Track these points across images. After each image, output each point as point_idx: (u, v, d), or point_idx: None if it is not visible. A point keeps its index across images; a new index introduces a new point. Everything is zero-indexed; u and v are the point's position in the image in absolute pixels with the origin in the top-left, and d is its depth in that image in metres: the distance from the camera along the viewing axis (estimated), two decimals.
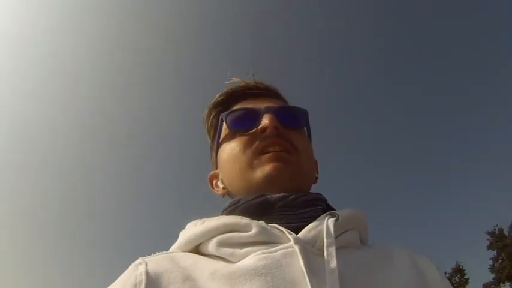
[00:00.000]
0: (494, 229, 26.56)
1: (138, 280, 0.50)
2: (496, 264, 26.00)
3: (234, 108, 0.72)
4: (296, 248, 0.51)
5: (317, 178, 0.73)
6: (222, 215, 0.64)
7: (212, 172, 0.76)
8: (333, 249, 0.51)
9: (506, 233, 26.01)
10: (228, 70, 0.78)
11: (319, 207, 0.61)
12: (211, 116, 0.77)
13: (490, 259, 26.56)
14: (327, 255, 0.50)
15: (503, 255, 25.47)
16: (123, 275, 0.54)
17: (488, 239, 26.50)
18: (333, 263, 0.49)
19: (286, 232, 0.53)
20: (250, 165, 0.64)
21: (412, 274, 0.56)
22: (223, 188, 0.71)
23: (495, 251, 26.22)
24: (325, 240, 0.52)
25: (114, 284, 0.54)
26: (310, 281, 0.46)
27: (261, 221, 0.56)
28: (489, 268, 26.58)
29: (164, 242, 0.64)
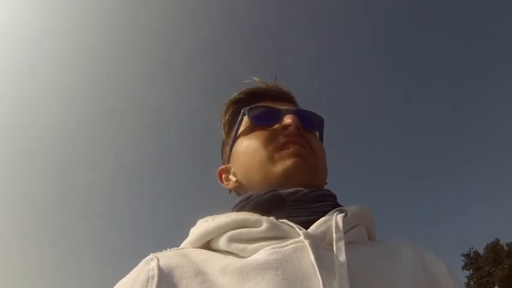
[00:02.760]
0: (469, 251, 27.18)
1: (150, 274, 0.50)
2: (471, 282, 26.47)
3: (256, 105, 0.74)
4: (306, 242, 0.51)
5: (326, 184, 0.75)
6: (232, 211, 0.64)
7: (223, 166, 0.77)
8: (342, 244, 0.52)
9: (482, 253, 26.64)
10: (234, 70, 0.82)
11: (328, 202, 0.62)
12: (229, 112, 0.78)
13: (465, 277, 27.09)
14: (336, 250, 0.51)
15: (474, 278, 25.99)
16: (134, 269, 0.54)
17: (463, 260, 27.05)
18: (342, 257, 0.50)
19: (295, 227, 0.54)
20: (271, 159, 0.65)
21: (420, 270, 0.57)
22: (236, 181, 0.71)
23: (470, 271, 26.75)
24: (334, 235, 0.53)
25: (125, 278, 0.54)
26: (320, 275, 0.47)
27: (271, 217, 0.56)
28: (464, 285, 27.04)
29: (174, 240, 0.64)
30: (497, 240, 26.57)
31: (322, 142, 0.77)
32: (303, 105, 0.79)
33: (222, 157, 0.80)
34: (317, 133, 0.77)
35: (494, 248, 26.10)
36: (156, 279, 0.49)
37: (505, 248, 25.87)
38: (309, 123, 0.72)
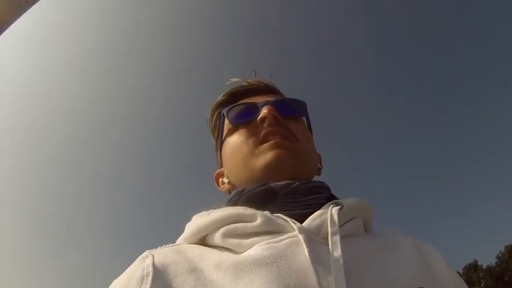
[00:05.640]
0: None
1: (145, 272, 0.50)
2: None
3: (234, 104, 0.74)
4: (301, 237, 0.51)
5: (320, 169, 0.75)
6: (227, 205, 0.64)
7: (218, 170, 0.77)
8: (337, 238, 0.51)
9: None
10: (227, 68, 0.80)
11: (322, 195, 0.62)
12: (214, 117, 0.79)
13: None
14: (332, 244, 0.50)
15: None
16: (130, 267, 0.54)
17: None
18: (338, 252, 0.49)
19: (290, 221, 0.54)
20: (252, 155, 0.65)
21: (418, 262, 0.56)
22: (228, 183, 0.72)
23: None
24: (329, 229, 0.52)
25: (121, 276, 0.53)
26: (315, 270, 0.46)
27: (265, 211, 0.56)
28: None
29: (170, 235, 0.64)
30: (476, 261, 27.12)
31: (310, 127, 0.77)
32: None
33: (217, 161, 0.80)
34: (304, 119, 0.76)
35: (468, 270, 26.55)
36: (150, 277, 0.49)
37: (480, 274, 26.34)
38: (289, 110, 0.72)
